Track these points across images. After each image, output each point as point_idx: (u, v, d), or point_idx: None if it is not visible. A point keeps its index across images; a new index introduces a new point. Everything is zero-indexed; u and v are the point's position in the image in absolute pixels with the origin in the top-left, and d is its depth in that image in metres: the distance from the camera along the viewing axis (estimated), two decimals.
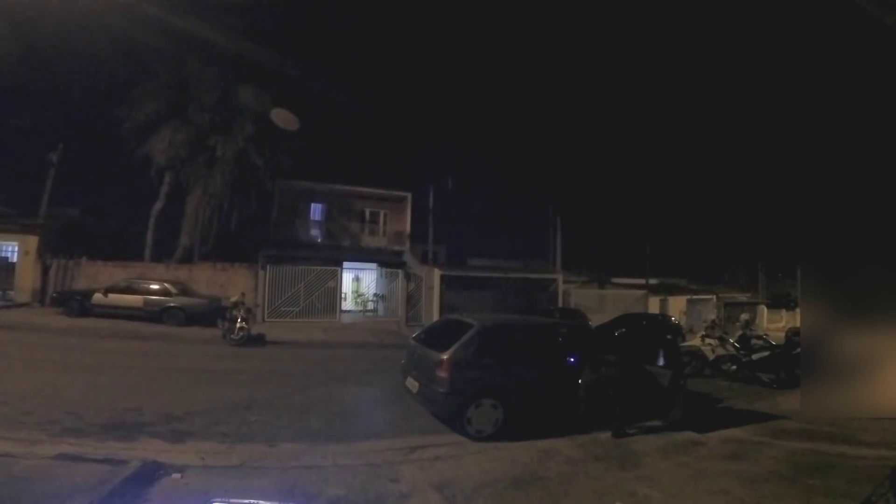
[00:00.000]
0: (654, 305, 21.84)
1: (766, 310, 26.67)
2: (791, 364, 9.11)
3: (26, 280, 15.01)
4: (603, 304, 20.82)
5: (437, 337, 6.17)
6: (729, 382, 9.46)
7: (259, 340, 11.36)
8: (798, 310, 25.14)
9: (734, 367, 9.93)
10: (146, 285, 13.05)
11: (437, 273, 17.28)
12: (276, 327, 13.80)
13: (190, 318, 12.64)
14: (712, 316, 19.22)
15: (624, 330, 13.58)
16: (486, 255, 26.23)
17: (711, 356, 10.16)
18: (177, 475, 3.65)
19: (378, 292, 20.30)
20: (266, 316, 15.30)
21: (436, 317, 15.26)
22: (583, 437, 5.33)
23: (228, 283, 15.70)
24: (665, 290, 23.59)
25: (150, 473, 3.58)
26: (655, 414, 5.95)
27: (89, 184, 18.78)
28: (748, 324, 12.55)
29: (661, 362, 6.17)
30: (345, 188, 20.40)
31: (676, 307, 22.40)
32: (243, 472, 3.97)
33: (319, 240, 20.20)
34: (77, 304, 12.73)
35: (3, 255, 15.83)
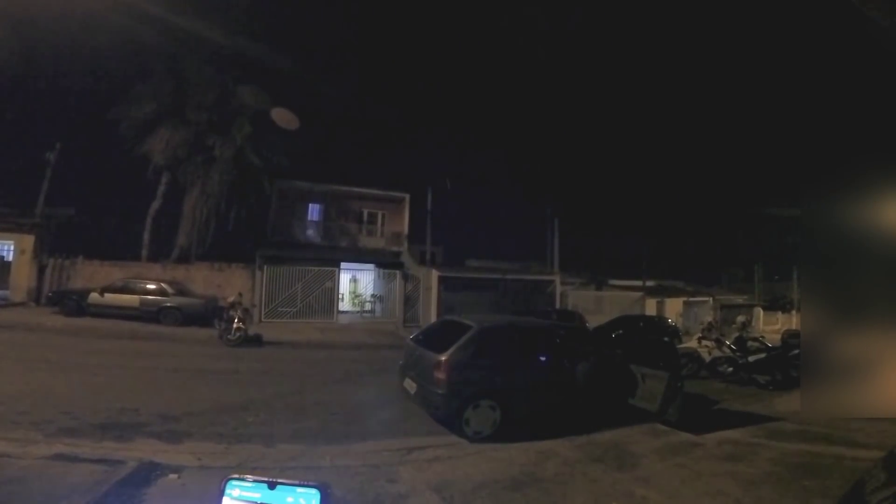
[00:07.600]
0: (651, 307, 21.94)
1: (762, 312, 26.85)
2: (787, 366, 9.16)
3: (22, 279, 14.92)
4: (600, 305, 20.88)
5: (435, 338, 6.16)
6: (725, 384, 9.50)
7: (256, 341, 11.32)
8: (794, 312, 25.34)
9: (730, 369, 9.96)
10: (143, 285, 13.00)
11: (434, 274, 17.29)
12: (272, 328, 13.77)
13: (187, 318, 12.59)
14: (709, 318, 19.30)
15: (621, 331, 13.63)
16: (484, 256, 26.22)
17: (708, 358, 10.18)
18: (174, 476, 3.64)
19: (375, 293, 20.28)
20: (263, 316, 15.27)
21: (433, 318, 15.26)
22: (580, 439, 5.34)
23: (225, 283, 15.67)
24: (662, 293, 23.68)
25: (147, 474, 3.57)
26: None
27: (86, 183, 18.62)
28: (744, 326, 12.63)
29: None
30: (343, 189, 20.34)
31: (673, 309, 22.50)
32: (241, 472, 3.94)
33: (317, 240, 20.14)
34: (73, 303, 12.65)
35: None
